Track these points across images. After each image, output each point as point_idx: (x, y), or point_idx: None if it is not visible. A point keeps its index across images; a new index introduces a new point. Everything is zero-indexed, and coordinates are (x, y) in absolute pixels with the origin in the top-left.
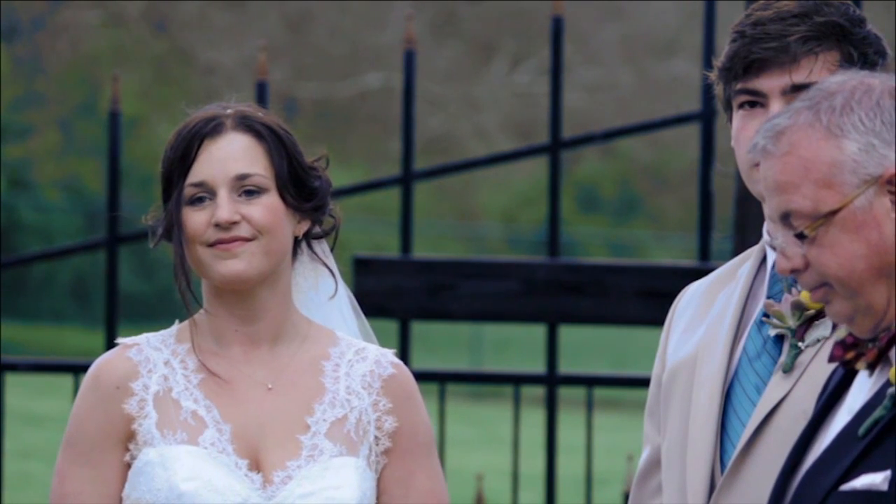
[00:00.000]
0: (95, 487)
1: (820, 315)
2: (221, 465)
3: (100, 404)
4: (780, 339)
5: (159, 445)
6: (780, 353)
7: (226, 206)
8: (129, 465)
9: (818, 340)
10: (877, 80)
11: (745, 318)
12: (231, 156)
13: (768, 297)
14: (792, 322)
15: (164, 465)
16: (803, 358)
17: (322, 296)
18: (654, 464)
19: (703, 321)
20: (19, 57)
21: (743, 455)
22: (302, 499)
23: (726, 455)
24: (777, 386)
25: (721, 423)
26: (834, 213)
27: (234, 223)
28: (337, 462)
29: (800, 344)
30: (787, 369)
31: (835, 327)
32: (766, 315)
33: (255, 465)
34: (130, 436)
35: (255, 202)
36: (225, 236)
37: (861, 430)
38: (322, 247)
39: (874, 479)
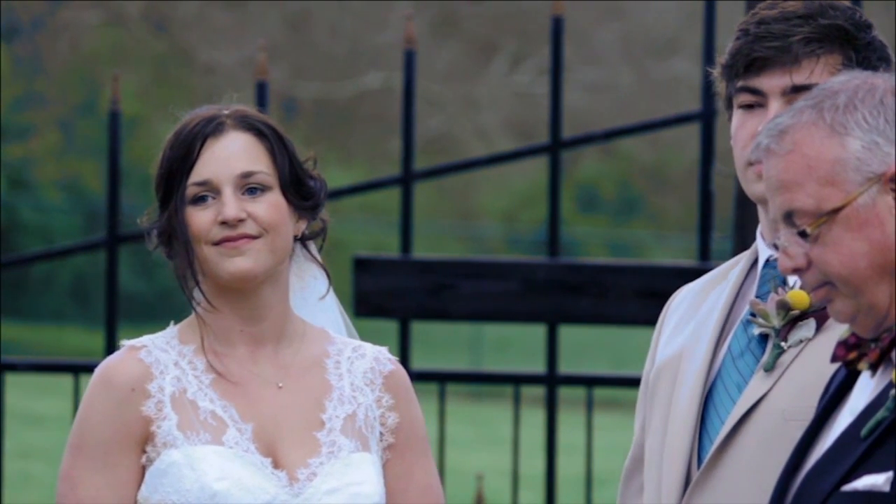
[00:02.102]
0: (112, 491)
1: (804, 316)
2: (248, 464)
3: (115, 407)
4: (764, 338)
5: (183, 446)
6: (763, 353)
7: (232, 204)
8: (144, 468)
9: (801, 341)
10: (880, 80)
11: (734, 318)
12: (234, 154)
13: (756, 297)
14: (776, 322)
15: (191, 465)
16: (785, 358)
17: (310, 296)
18: (639, 462)
19: (692, 320)
20: (19, 57)
21: (720, 452)
22: (328, 495)
23: (704, 452)
24: (758, 385)
25: (702, 421)
26: (837, 211)
27: (241, 220)
28: (356, 458)
29: (783, 344)
30: (769, 368)
31: (818, 329)
32: (753, 314)
33: (276, 464)
34: (148, 438)
35: (260, 200)
36: (232, 234)
37: (863, 432)
38: (312, 248)
39: (876, 480)
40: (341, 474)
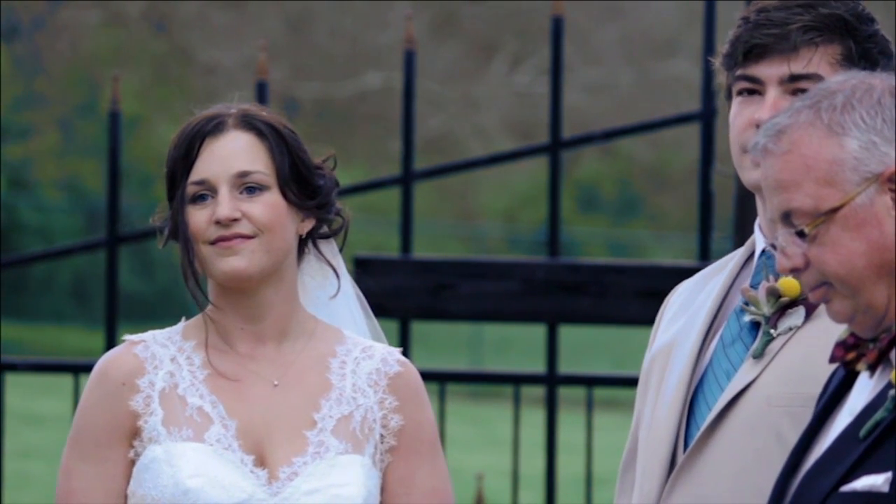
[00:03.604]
0: (101, 483)
1: (794, 304)
2: (227, 461)
3: (106, 400)
4: (756, 326)
5: (165, 442)
6: (754, 341)
7: (226, 204)
8: (133, 462)
9: (790, 329)
10: (877, 80)
11: (729, 309)
12: (232, 153)
13: (750, 286)
14: (766, 309)
15: (169, 461)
16: (774, 345)
17: (328, 294)
18: (635, 454)
19: (687, 312)
20: (19, 57)
21: (705, 437)
22: (307, 496)
23: (692, 439)
24: (746, 372)
25: (691, 409)
26: (835, 210)
27: (235, 220)
28: (343, 460)
29: (772, 331)
30: (758, 355)
31: (808, 317)
32: (746, 303)
33: (261, 461)
34: (135, 432)
35: (256, 199)
36: (226, 233)
37: (862, 432)
38: (330, 247)
39: (875, 481)
40: (324, 475)
